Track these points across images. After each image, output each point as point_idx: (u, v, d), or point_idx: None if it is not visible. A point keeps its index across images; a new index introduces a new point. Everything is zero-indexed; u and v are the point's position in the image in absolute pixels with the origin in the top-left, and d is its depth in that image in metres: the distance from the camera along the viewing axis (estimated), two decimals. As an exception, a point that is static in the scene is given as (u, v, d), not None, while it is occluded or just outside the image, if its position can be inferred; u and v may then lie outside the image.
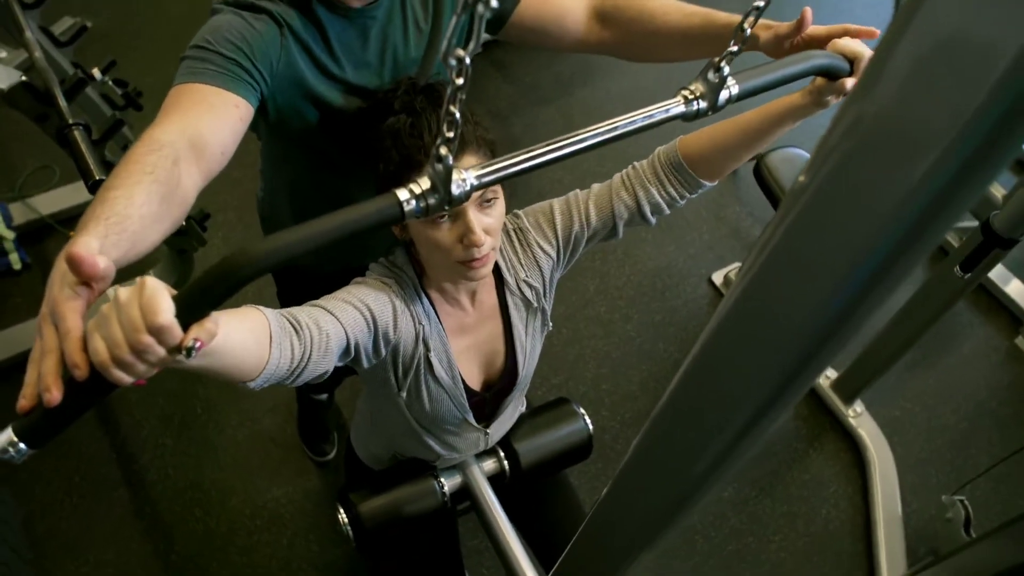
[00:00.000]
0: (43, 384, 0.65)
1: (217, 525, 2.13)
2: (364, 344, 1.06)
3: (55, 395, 0.64)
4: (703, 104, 0.80)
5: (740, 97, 0.84)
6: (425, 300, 1.16)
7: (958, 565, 1.75)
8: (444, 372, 1.20)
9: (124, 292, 0.63)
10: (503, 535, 1.43)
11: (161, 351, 0.63)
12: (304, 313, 0.98)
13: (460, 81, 0.57)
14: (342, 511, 1.37)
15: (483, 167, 0.68)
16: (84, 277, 0.67)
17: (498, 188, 1.08)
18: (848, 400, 2.46)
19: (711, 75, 0.80)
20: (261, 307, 0.91)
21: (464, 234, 1.04)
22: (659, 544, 0.80)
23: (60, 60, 2.07)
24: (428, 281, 1.17)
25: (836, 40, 0.99)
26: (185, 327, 0.63)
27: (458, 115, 0.59)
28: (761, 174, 2.42)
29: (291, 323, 0.94)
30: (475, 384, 1.27)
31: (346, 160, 1.30)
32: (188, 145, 0.93)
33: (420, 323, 1.14)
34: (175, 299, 0.63)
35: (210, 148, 0.96)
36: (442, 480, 1.42)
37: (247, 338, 0.85)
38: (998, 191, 2.43)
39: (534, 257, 1.23)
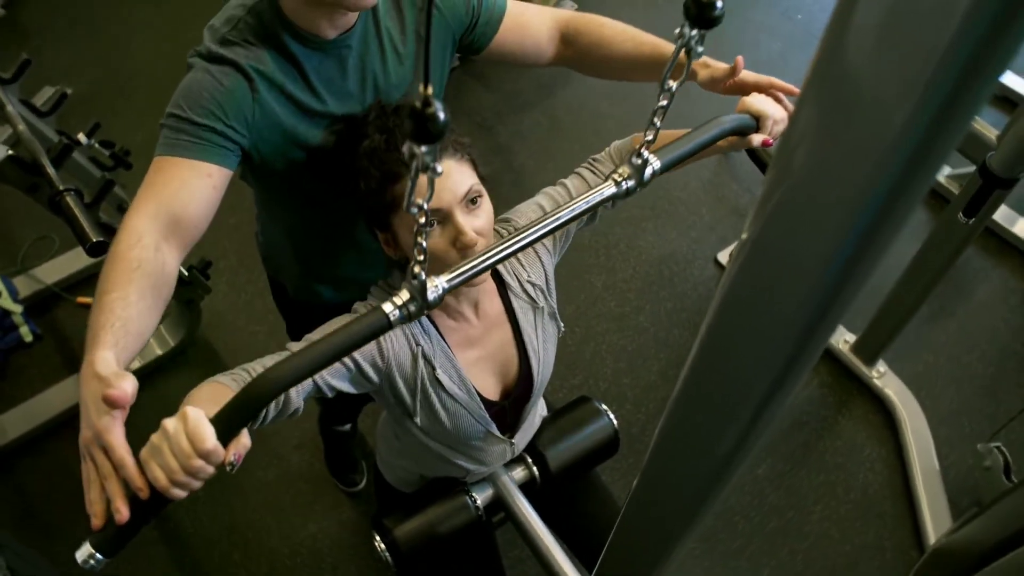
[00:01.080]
0: (114, 506, 0.78)
1: (257, 568, 2.13)
2: (345, 380, 1.09)
3: (125, 514, 0.78)
4: (631, 183, 0.88)
5: (663, 170, 0.92)
6: (423, 318, 1.15)
7: (1003, 512, 1.74)
8: (456, 387, 1.20)
9: (171, 424, 0.75)
10: (541, 542, 1.43)
11: (211, 469, 0.76)
12: (263, 367, 1.01)
13: (423, 220, 0.65)
14: (378, 538, 1.37)
15: (451, 273, 0.77)
16: (120, 407, 0.80)
17: (482, 188, 1.09)
18: (870, 361, 2.44)
19: (635, 159, 0.87)
20: (222, 379, 1.00)
21: (456, 237, 1.05)
22: (696, 528, 0.79)
23: (44, 129, 2.08)
24: None
25: (744, 100, 1.13)
26: (223, 445, 0.76)
27: (425, 244, 0.67)
28: (752, 148, 2.41)
29: (247, 375, 1.00)
30: (492, 395, 1.27)
31: (335, 198, 1.30)
32: (164, 227, 1.04)
33: (417, 343, 1.14)
34: (212, 422, 0.75)
35: (184, 224, 1.07)
36: (474, 494, 1.41)
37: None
38: (991, 132, 2.41)
39: (535, 252, 1.25)
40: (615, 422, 1.52)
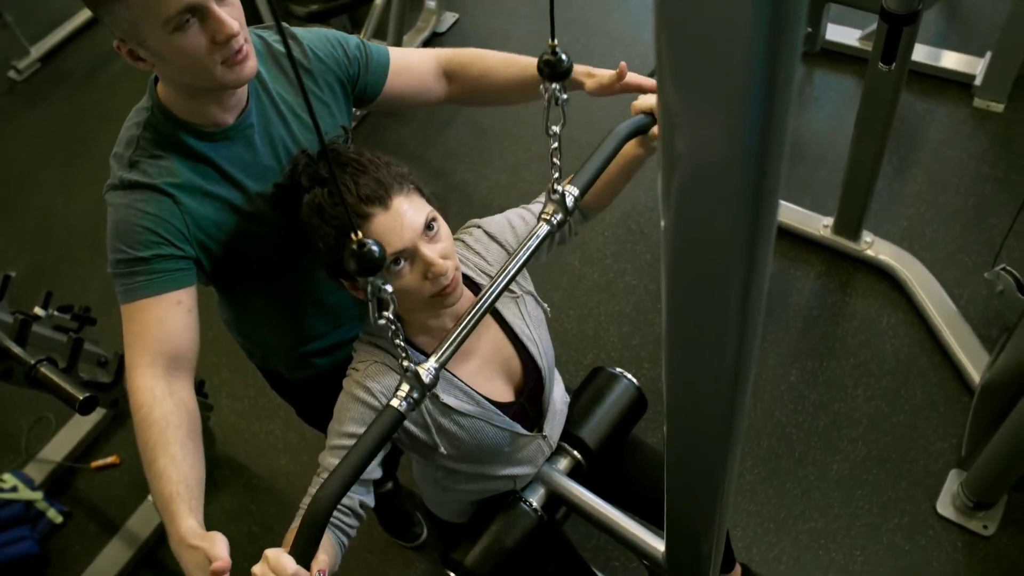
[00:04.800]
0: None
1: (357, 652, 2.11)
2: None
3: None
4: (560, 215, 0.96)
5: (583, 193, 0.98)
6: (414, 353, 1.16)
7: (1029, 324, 1.74)
8: (465, 404, 1.19)
9: (258, 568, 0.86)
10: (611, 520, 1.41)
11: None
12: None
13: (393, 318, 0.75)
14: (452, 574, 1.35)
15: (437, 357, 0.86)
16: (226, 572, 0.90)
17: (435, 211, 1.09)
18: (854, 236, 2.45)
19: (553, 195, 0.95)
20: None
21: (426, 269, 1.05)
22: (735, 445, 0.79)
23: (-1, 316, 2.07)
24: (410, 330, 1.17)
25: (634, 104, 1.19)
26: (307, 567, 0.85)
27: (395, 327, 0.77)
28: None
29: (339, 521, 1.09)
30: (505, 396, 1.26)
31: (292, 270, 1.30)
32: (165, 369, 1.10)
33: None
34: (291, 553, 0.85)
35: (180, 355, 1.12)
36: (528, 499, 1.40)
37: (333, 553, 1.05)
38: (883, -19, 2.45)
39: (501, 244, 1.26)
40: (635, 380, 1.52)
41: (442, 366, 0.86)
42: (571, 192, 0.97)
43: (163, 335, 1.12)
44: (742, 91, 0.42)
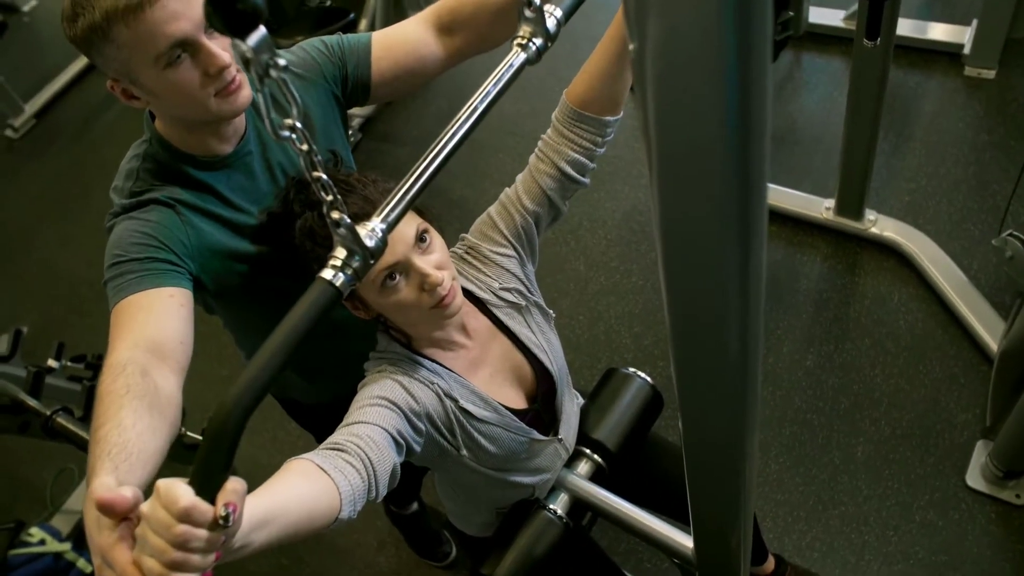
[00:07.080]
0: None
1: (396, 677, 2.10)
2: (403, 429, 1.06)
3: None
4: (538, 40, 0.81)
5: (567, 16, 0.84)
6: (425, 360, 1.15)
7: (1041, 287, 1.73)
8: (484, 411, 1.19)
9: (146, 506, 0.66)
10: (638, 522, 1.40)
11: (201, 532, 0.64)
12: (337, 435, 1.00)
13: (306, 147, 0.61)
14: (483, 589, 1.34)
15: (381, 210, 0.68)
16: (120, 515, 0.70)
17: (427, 223, 1.09)
18: (857, 216, 2.44)
19: (528, 12, 0.81)
20: (299, 456, 0.93)
21: (422, 281, 1.05)
22: (753, 430, 0.78)
23: (14, 372, 2.08)
24: (418, 343, 1.16)
25: None
26: (211, 499, 0.65)
27: (324, 176, 0.63)
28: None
29: (331, 449, 0.96)
30: (519, 403, 1.26)
31: (299, 292, 1.30)
32: (146, 353, 0.98)
33: (432, 383, 1.13)
34: (190, 483, 0.65)
35: (167, 345, 1.01)
36: (551, 506, 1.39)
37: (297, 483, 0.88)
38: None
39: (497, 264, 1.24)
40: (649, 379, 1.51)
41: (390, 227, 0.67)
42: (552, 12, 0.81)
43: (150, 322, 1.02)
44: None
